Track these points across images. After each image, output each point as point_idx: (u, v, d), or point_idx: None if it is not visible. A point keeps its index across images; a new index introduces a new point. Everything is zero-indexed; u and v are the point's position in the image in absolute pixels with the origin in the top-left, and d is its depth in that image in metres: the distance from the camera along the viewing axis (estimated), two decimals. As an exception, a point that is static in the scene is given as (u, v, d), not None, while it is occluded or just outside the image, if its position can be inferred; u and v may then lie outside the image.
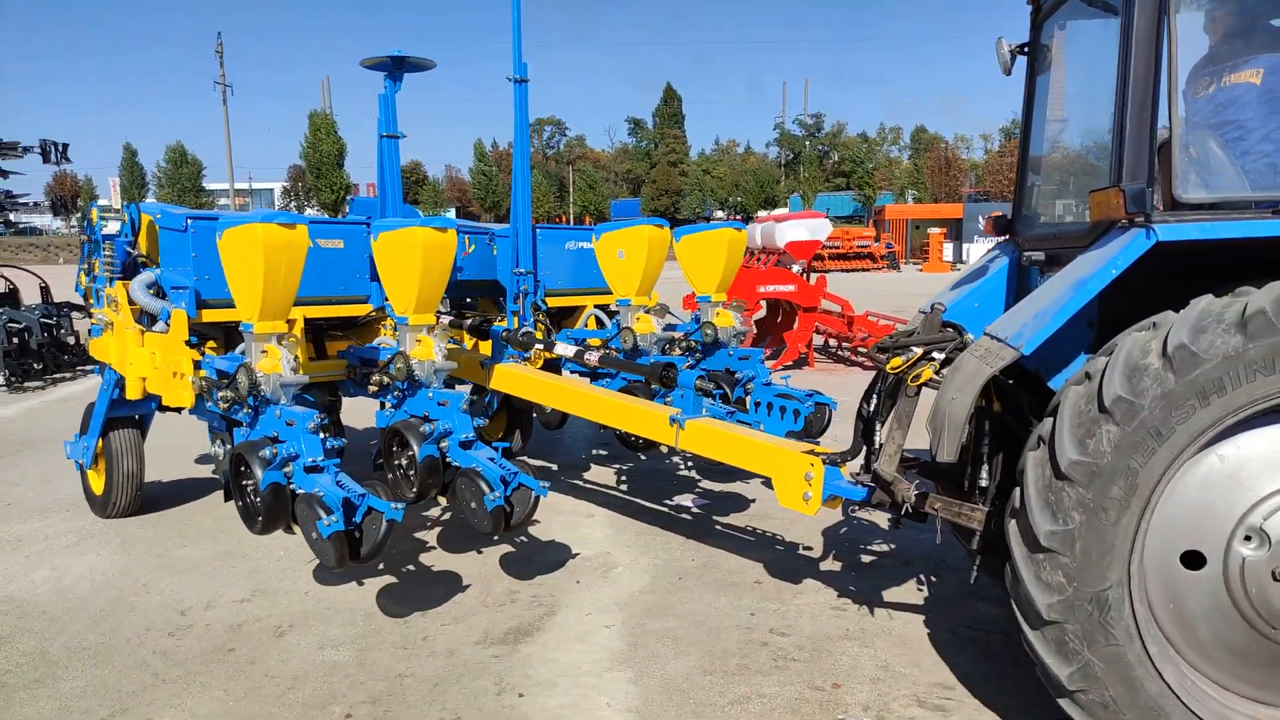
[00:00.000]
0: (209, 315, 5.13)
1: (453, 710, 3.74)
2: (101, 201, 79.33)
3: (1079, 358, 3.49)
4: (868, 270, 43.92)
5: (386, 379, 4.95)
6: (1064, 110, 4.31)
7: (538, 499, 4.59)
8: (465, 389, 5.66)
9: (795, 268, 13.68)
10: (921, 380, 3.76)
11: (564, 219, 75.24)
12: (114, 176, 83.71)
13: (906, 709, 3.71)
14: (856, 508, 4.01)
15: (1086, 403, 3.01)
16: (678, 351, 5.84)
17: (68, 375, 12.40)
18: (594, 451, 8.16)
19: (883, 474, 3.83)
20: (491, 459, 4.62)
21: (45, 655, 4.26)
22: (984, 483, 3.83)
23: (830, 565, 5.27)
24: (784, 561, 5.36)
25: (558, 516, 6.21)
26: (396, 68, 6.23)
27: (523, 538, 5.76)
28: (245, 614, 4.69)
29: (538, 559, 5.43)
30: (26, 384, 11.80)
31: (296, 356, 4.56)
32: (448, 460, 4.72)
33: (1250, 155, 3.39)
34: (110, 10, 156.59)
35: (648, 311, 5.79)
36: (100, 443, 6.08)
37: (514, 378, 5.83)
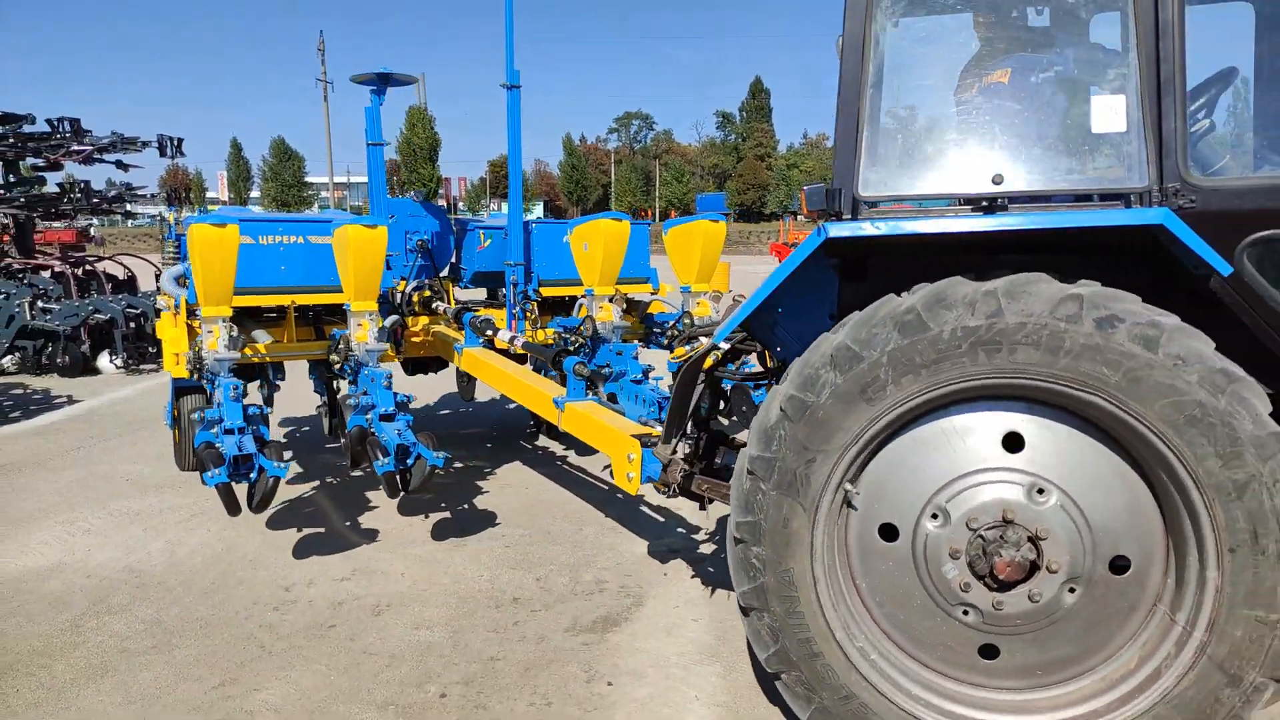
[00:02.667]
0: None
1: (544, 695, 3.80)
2: (209, 194, 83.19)
3: None
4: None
5: (338, 359, 5.76)
6: None
7: (433, 469, 5.13)
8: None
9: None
10: (704, 367, 4.00)
11: (648, 213, 75.35)
12: (222, 170, 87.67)
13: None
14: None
15: (739, 475, 3.13)
16: (666, 339, 6.23)
17: (180, 359, 13.00)
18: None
19: (659, 456, 4.12)
20: (399, 431, 5.17)
21: (161, 624, 4.49)
22: None
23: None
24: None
25: (643, 509, 6.24)
26: (382, 83, 6.75)
27: (609, 528, 5.81)
28: (345, 592, 4.86)
29: (625, 550, 5.47)
30: (143, 366, 12.45)
31: (234, 336, 5.43)
32: (372, 431, 5.31)
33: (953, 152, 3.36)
34: (225, 9, 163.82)
35: (610, 300, 6.08)
36: (176, 408, 6.93)
37: (469, 358, 6.39)
